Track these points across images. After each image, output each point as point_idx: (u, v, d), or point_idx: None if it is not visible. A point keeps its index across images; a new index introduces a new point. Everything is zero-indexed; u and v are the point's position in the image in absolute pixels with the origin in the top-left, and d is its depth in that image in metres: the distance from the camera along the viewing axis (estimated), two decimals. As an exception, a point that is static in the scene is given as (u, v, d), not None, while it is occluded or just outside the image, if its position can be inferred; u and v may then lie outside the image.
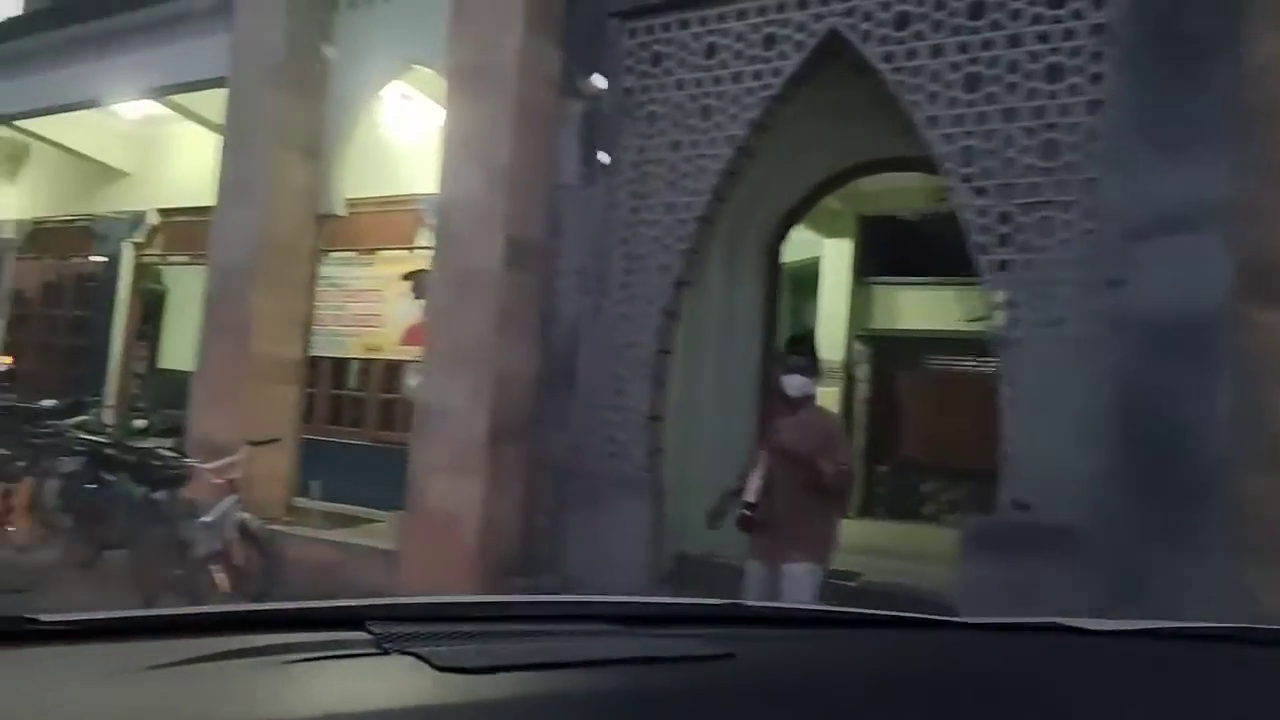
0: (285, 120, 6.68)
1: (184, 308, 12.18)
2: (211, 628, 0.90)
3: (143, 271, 11.31)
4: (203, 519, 5.20)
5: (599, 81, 5.29)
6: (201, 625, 0.92)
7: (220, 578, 5.29)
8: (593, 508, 5.28)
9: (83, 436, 7.09)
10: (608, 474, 5.30)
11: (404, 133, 8.24)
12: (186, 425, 8.31)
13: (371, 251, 9.10)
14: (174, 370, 12.37)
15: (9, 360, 10.66)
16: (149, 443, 8.02)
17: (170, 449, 7.87)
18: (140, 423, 8.01)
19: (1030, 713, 0.91)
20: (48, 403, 9.39)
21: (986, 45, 4.50)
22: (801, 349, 4.30)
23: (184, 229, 10.87)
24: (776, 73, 4.96)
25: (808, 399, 4.15)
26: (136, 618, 0.92)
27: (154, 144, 10.93)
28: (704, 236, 5.24)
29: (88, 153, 10.83)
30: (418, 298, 9.24)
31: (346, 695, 0.77)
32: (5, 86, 9.96)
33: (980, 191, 4.44)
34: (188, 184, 10.71)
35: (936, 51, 4.59)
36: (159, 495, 6.68)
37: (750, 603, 1.38)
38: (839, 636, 1.19)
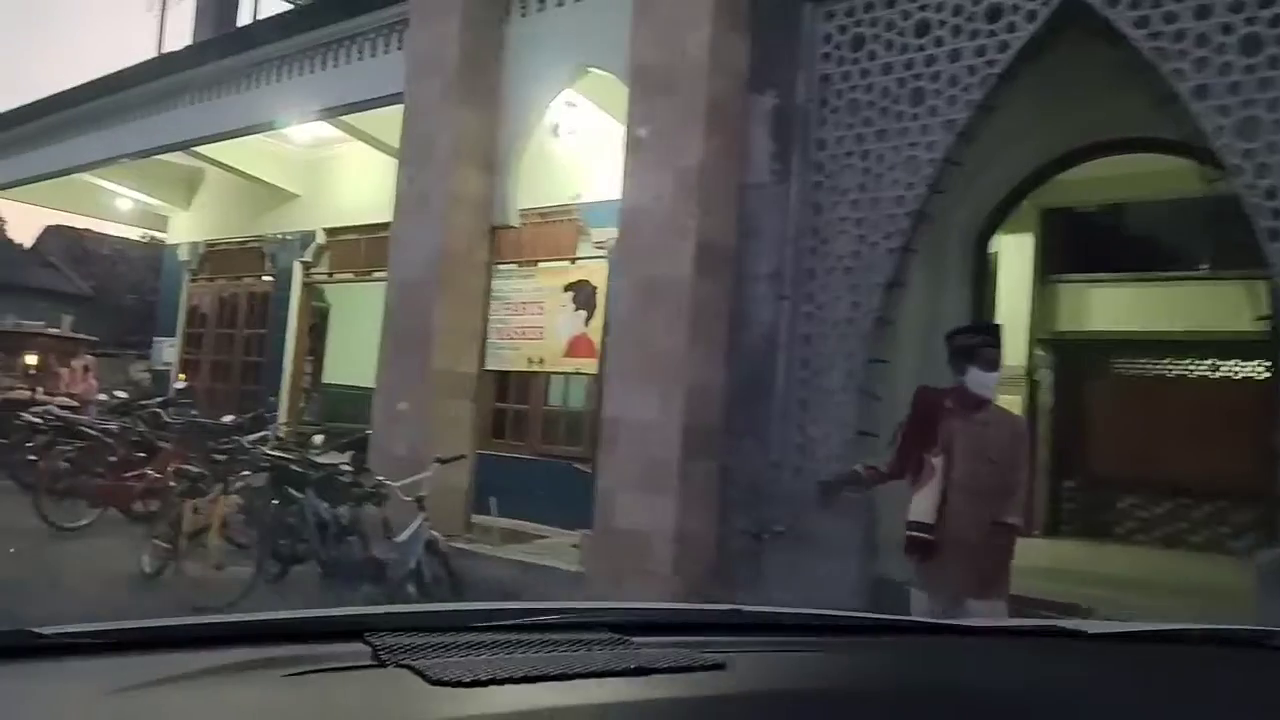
0: (461, 133, 6.61)
1: (346, 324, 12.58)
2: (214, 640, 0.90)
3: (310, 290, 11.69)
4: (397, 538, 5.11)
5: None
6: (205, 637, 0.91)
7: (413, 597, 5.19)
8: (794, 528, 4.89)
9: (268, 453, 7.24)
10: (809, 492, 4.90)
11: (567, 141, 8.12)
12: (363, 440, 8.48)
13: (533, 263, 9.03)
14: (338, 385, 12.78)
15: (184, 378, 11.15)
16: (328, 458, 8.19)
17: (349, 464, 8.00)
18: (318, 438, 8.15)
19: (1029, 718, 0.91)
20: (228, 419, 9.75)
21: (1266, 2, 3.88)
22: (990, 340, 3.73)
23: (349, 247, 11.16)
24: (1003, 47, 4.46)
25: (988, 399, 3.62)
26: (139, 629, 0.90)
27: (321, 166, 11.29)
28: (918, 233, 4.79)
29: (259, 176, 11.28)
30: (579, 309, 9.15)
31: (340, 711, 0.78)
32: (183, 114, 10.45)
33: (1265, 169, 3.81)
34: (352, 204, 11.02)
35: (1203, 12, 3.99)
36: (347, 512, 6.73)
37: (747, 608, 1.34)
38: (836, 644, 1.19)
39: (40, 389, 13.00)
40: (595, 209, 8.62)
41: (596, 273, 8.77)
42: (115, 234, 28.68)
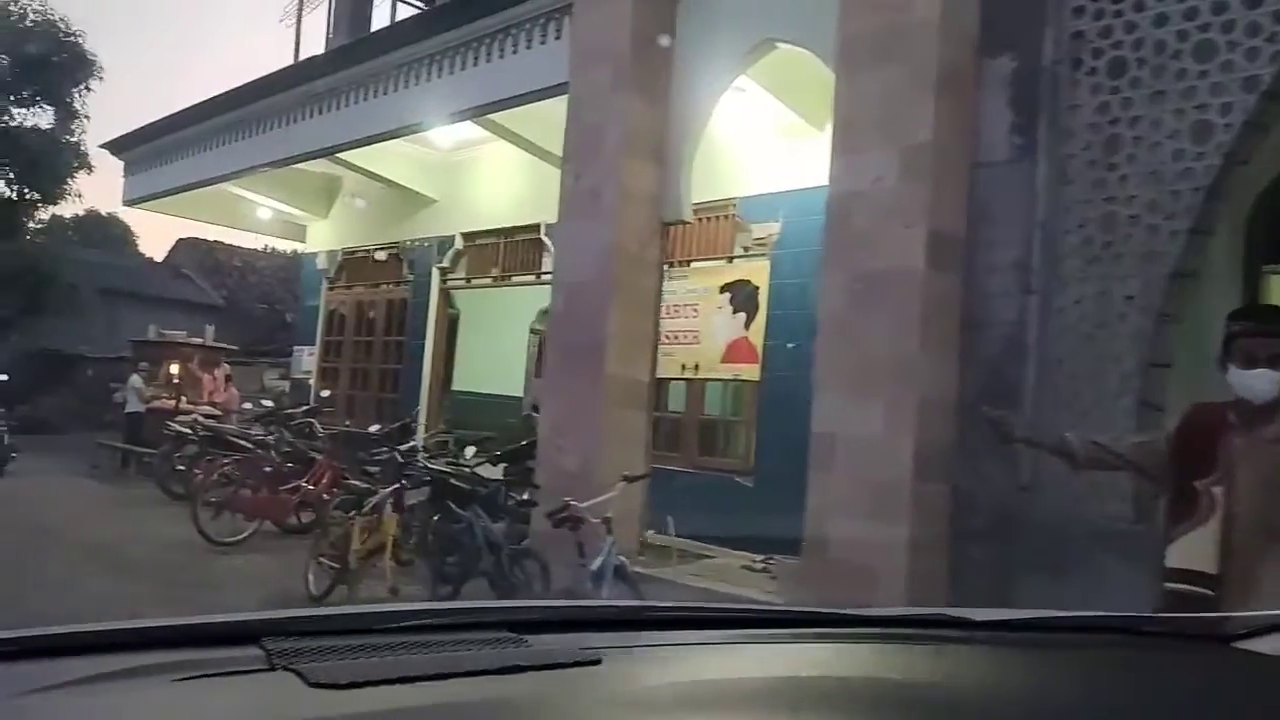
0: (633, 123, 6.10)
1: (474, 330, 12.33)
2: (108, 646, 0.89)
3: (446, 295, 11.47)
4: (590, 564, 4.61)
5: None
6: (97, 644, 0.89)
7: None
8: (1053, 566, 4.15)
9: (429, 466, 6.90)
10: (1073, 523, 4.16)
11: (727, 130, 7.54)
12: (517, 452, 8.09)
13: (685, 263, 8.49)
14: (467, 393, 12.54)
15: (323, 386, 11.05)
16: (483, 470, 7.83)
17: (513, 479, 7.61)
18: (470, 450, 7.79)
19: (909, 708, 0.94)
20: (375, 428, 9.55)
21: None
22: (1256, 327, 2.81)
23: (487, 251, 10.88)
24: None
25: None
26: (26, 637, 0.87)
27: (460, 170, 11.05)
28: (1210, 213, 3.99)
29: (398, 181, 11.11)
30: (738, 311, 8.55)
31: (219, 715, 0.79)
32: (323, 121, 10.34)
33: None
34: (490, 207, 10.74)
35: None
36: (512, 530, 6.32)
37: (655, 604, 1.44)
38: (711, 638, 1.21)
39: (183, 398, 13.24)
40: (754, 203, 8.02)
41: (757, 272, 8.16)
42: (244, 246, 29.79)
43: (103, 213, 34.16)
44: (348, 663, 0.88)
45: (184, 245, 28.38)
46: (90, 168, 19.11)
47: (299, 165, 11.50)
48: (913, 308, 4.45)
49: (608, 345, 5.98)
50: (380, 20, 12.22)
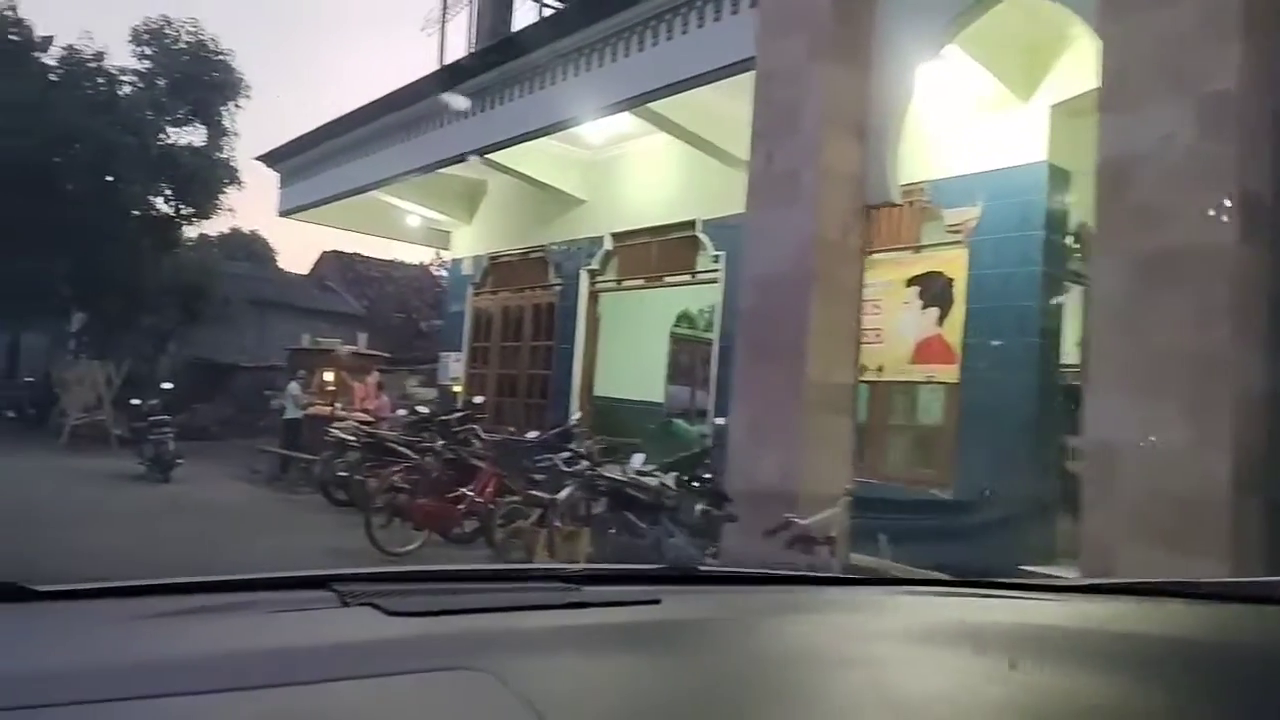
0: (833, 96, 5.50)
1: (616, 334, 11.92)
2: (191, 588, 1.01)
3: (595, 298, 11.13)
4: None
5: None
6: (184, 587, 1.01)
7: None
8: None
9: (605, 475, 6.49)
10: None
11: (915, 105, 6.83)
12: (689, 460, 7.60)
13: (866, 254, 7.82)
14: (609, 398, 12.16)
15: (462, 391, 10.86)
16: (651, 479, 7.37)
17: (681, 489, 7.12)
18: (638, 457, 7.34)
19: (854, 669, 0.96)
20: (533, 434, 9.26)
21: None
22: None
23: (638, 252, 10.47)
24: None
25: None
26: (117, 587, 0.97)
27: (609, 168, 10.69)
28: None
29: (546, 181, 10.85)
30: (928, 306, 7.80)
31: (309, 635, 0.90)
32: (471, 123, 10.16)
33: None
34: (642, 206, 10.32)
35: None
36: (703, 544, 5.83)
37: (705, 567, 1.62)
38: (771, 590, 1.37)
39: (337, 405, 13.39)
40: (947, 186, 7.26)
41: (952, 262, 7.38)
42: (382, 258, 30.68)
43: (245, 230, 36.05)
44: (421, 597, 0.99)
45: (328, 258, 29.42)
46: (240, 183, 19.87)
47: (444, 170, 11.42)
48: (1219, 290, 3.69)
49: (807, 344, 5.38)
50: (521, 24, 12.07)
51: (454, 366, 13.06)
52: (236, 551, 6.97)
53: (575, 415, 10.17)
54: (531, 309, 11.93)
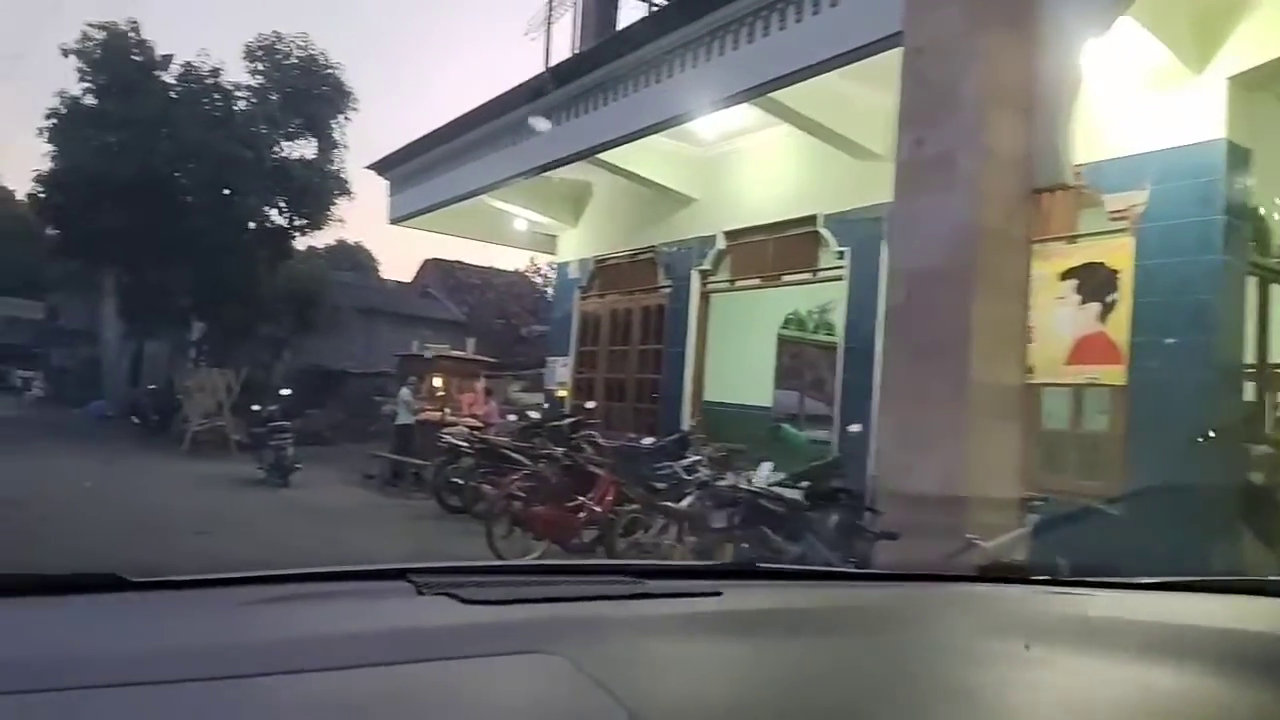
0: (994, 70, 4.99)
1: (721, 336, 11.53)
2: (277, 580, 1.07)
3: (706, 300, 10.77)
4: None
5: None
6: (270, 579, 1.07)
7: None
8: None
9: (742, 487, 6.12)
10: None
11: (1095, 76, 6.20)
12: (821, 470, 7.16)
13: (1033, 242, 7.21)
14: (718, 403, 11.75)
15: (563, 396, 10.62)
16: (784, 491, 6.95)
17: (813, 501, 6.69)
18: (766, 467, 6.94)
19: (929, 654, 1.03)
20: (649, 441, 8.97)
21: None
22: None
23: (753, 250, 10.05)
24: None
25: None
26: (216, 579, 1.05)
27: (720, 165, 10.32)
28: None
29: (656, 180, 10.55)
30: (1087, 301, 7.16)
31: (390, 621, 0.95)
32: (580, 124, 9.93)
33: None
34: (757, 203, 9.91)
35: None
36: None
37: (761, 565, 1.54)
38: (826, 586, 1.45)
39: (447, 410, 13.41)
40: (1109, 169, 6.60)
41: (1115, 251, 6.72)
42: (482, 263, 31.09)
43: (350, 241, 37.09)
44: (494, 588, 1.05)
45: (429, 266, 29.98)
46: (350, 194, 20.31)
47: (551, 174, 11.26)
48: None
49: (971, 343, 4.88)
50: (627, 21, 11.81)
51: (561, 371, 12.91)
52: (360, 558, 6.88)
53: (688, 421, 9.83)
54: (640, 311, 11.65)
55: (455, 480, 10.14)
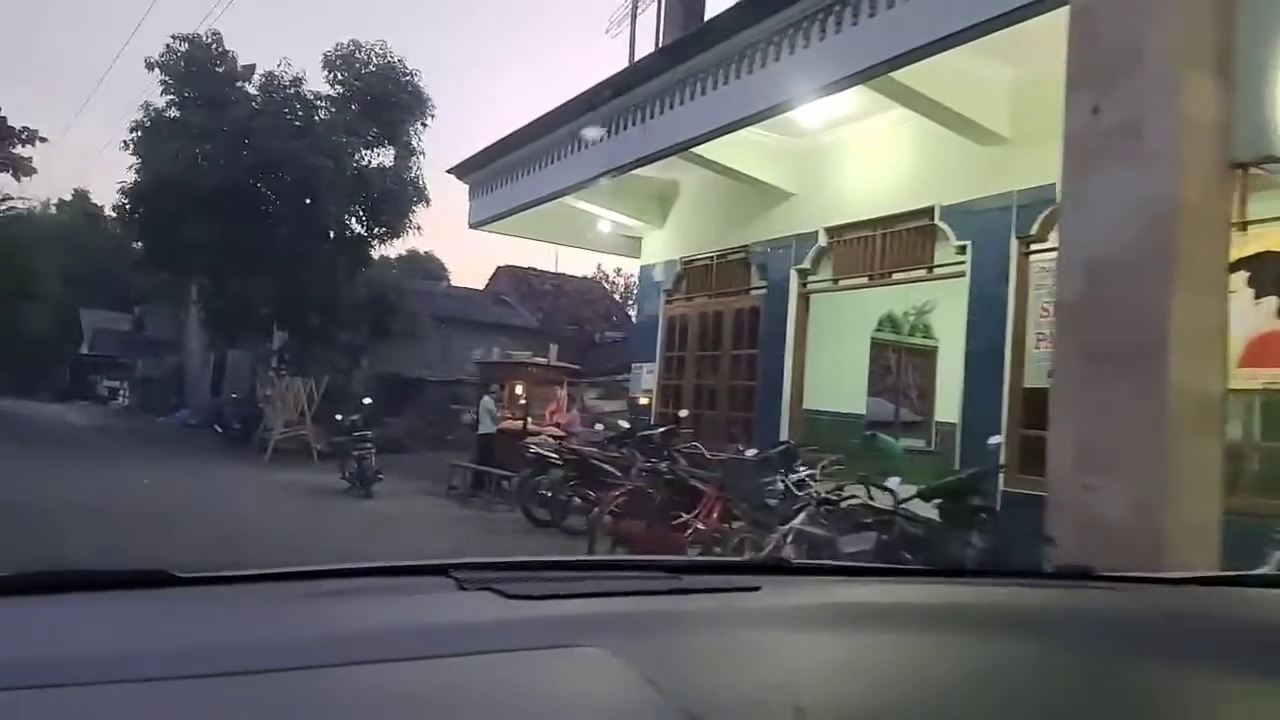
0: (1183, 23, 4.27)
1: (833, 338, 10.91)
2: (321, 575, 1.12)
3: (806, 301, 10.12)
4: None
5: None
6: (315, 574, 1.11)
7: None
8: None
9: (874, 505, 5.50)
10: None
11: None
12: (962, 485, 6.47)
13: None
14: (816, 411, 11.10)
15: (647, 402, 10.04)
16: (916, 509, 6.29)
17: (947, 521, 6.01)
18: (894, 481, 6.27)
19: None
20: (751, 453, 8.35)
21: None
22: None
23: (857, 247, 9.37)
24: None
25: None
26: (261, 574, 1.08)
27: (823, 156, 9.67)
28: None
29: (751, 174, 9.96)
30: (1262, 296, 6.34)
31: (434, 616, 0.96)
32: (669, 118, 9.39)
33: None
34: (863, 195, 9.22)
35: None
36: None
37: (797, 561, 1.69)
38: (853, 582, 1.39)
39: (529, 419, 13.01)
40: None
41: (1299, 239, 5.95)
42: (555, 270, 30.89)
43: (421, 251, 37.32)
44: (536, 583, 1.08)
45: (502, 273, 29.87)
46: (428, 201, 20.18)
47: (636, 173, 10.75)
48: None
49: (1168, 344, 4.16)
50: (715, 11, 11.24)
51: (646, 378, 12.38)
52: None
53: (786, 430, 9.20)
54: (732, 315, 11.06)
55: (543, 492, 9.69)
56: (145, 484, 12.16)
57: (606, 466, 8.89)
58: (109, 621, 0.91)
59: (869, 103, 8.36)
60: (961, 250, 8.05)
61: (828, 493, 6.41)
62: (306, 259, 18.59)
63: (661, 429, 9.51)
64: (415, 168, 20.17)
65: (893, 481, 6.42)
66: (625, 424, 10.41)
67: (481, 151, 12.86)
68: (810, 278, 9.95)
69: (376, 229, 20.26)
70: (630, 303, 33.55)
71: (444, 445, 18.99)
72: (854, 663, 0.94)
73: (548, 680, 0.79)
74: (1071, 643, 1.05)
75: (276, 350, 21.15)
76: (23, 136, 26.05)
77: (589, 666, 0.81)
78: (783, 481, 7.19)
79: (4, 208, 20.13)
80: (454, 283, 35.14)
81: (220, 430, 22.26)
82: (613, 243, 13.67)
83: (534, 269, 30.00)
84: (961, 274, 8.01)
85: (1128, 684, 0.92)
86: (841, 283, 9.65)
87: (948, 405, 9.42)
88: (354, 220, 19.97)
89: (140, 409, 34.56)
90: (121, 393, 40.90)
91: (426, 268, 37.32)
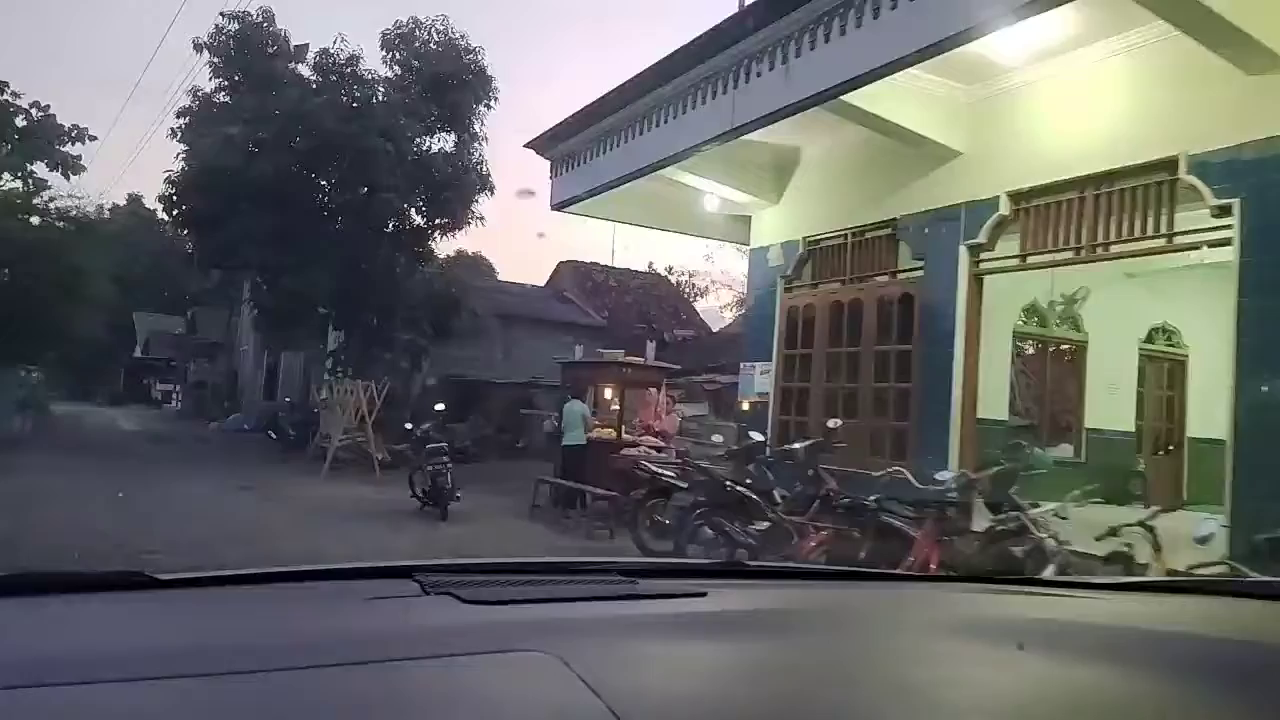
0: None
1: (1000, 329, 9.08)
2: (290, 577, 1.18)
3: (979, 284, 8.27)
4: None
5: None
6: (284, 576, 1.18)
7: None
8: None
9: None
10: None
11: None
12: None
13: None
14: (993, 421, 9.31)
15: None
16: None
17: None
18: (1210, 524, 4.43)
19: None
20: (945, 475, 6.55)
21: None
22: None
23: (1055, 214, 7.46)
24: None
25: None
26: (236, 575, 1.14)
27: (1004, 104, 7.76)
28: None
29: (913, 128, 8.12)
30: None
31: (396, 620, 1.03)
32: (801, 65, 7.60)
33: None
34: (1057, 151, 7.22)
35: None
36: None
37: (749, 563, 1.66)
38: (808, 585, 1.49)
39: (624, 428, 11.33)
40: None
41: None
42: (617, 266, 29.21)
43: (469, 252, 35.81)
44: (493, 588, 1.11)
45: (564, 268, 28.28)
46: (492, 189, 18.63)
47: (749, 138, 9.01)
48: None
49: None
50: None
51: (760, 380, 10.61)
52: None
53: (955, 445, 7.37)
54: (875, 303, 9.24)
55: (660, 519, 8.00)
56: (196, 501, 10.74)
57: (746, 491, 7.15)
58: (84, 622, 0.96)
59: (1082, 27, 6.53)
60: (1221, 211, 6.16)
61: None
62: (364, 252, 17.15)
63: (805, 443, 7.73)
64: (478, 152, 18.65)
65: (1207, 525, 4.58)
66: (757, 436, 8.60)
67: (567, 120, 11.18)
68: (985, 255, 8.10)
69: (437, 220, 18.75)
70: (695, 299, 31.76)
71: (515, 454, 17.44)
72: (792, 666, 0.96)
73: (494, 684, 0.84)
74: (1042, 648, 1.03)
75: (332, 351, 19.75)
76: (72, 135, 25.17)
77: (535, 671, 0.84)
78: (1020, 519, 5.40)
79: (54, 207, 19.02)
80: (511, 276, 33.64)
81: (274, 436, 21.00)
82: (715, 225, 11.91)
83: (596, 264, 28.37)
84: (1228, 240, 6.12)
85: (1103, 692, 0.91)
86: (1032, 259, 7.77)
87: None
88: (413, 211, 18.49)
89: (193, 413, 33.70)
90: (175, 396, 40.26)
91: (476, 267, 35.85)
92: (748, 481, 7.51)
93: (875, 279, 9.25)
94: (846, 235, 9.58)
